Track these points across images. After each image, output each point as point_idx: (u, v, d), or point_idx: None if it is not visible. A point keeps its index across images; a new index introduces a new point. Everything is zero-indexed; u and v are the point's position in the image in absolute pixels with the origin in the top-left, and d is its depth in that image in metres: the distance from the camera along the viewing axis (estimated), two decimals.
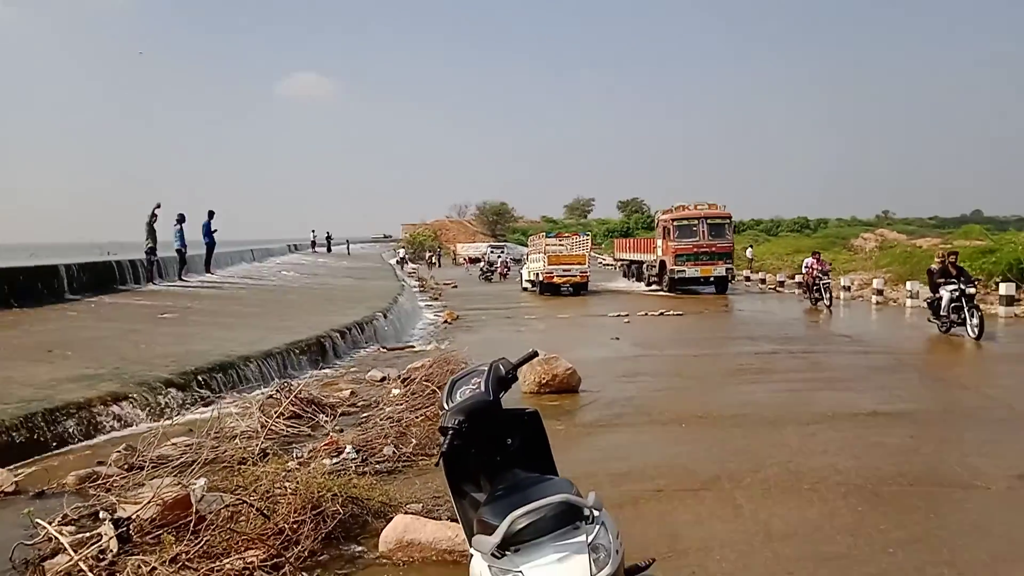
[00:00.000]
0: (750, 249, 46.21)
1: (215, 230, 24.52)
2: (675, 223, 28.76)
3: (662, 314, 20.35)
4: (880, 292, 24.18)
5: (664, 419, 8.18)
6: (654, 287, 30.85)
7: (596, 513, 2.84)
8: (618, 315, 20.04)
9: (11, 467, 6.40)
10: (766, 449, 6.91)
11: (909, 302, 22.14)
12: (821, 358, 12.36)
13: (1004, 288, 19.47)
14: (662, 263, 29.87)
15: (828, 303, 21.57)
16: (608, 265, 59.54)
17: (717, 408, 8.64)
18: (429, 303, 26.01)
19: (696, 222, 28.68)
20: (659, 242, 30.56)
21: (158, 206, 21.27)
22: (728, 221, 29.12)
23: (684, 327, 17.64)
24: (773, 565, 4.54)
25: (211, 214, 24.28)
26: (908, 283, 23.72)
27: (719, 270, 28.33)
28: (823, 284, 22.11)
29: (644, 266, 33.22)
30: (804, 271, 23.90)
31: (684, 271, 28.33)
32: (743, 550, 4.74)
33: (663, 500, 5.66)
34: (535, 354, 3.47)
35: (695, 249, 28.35)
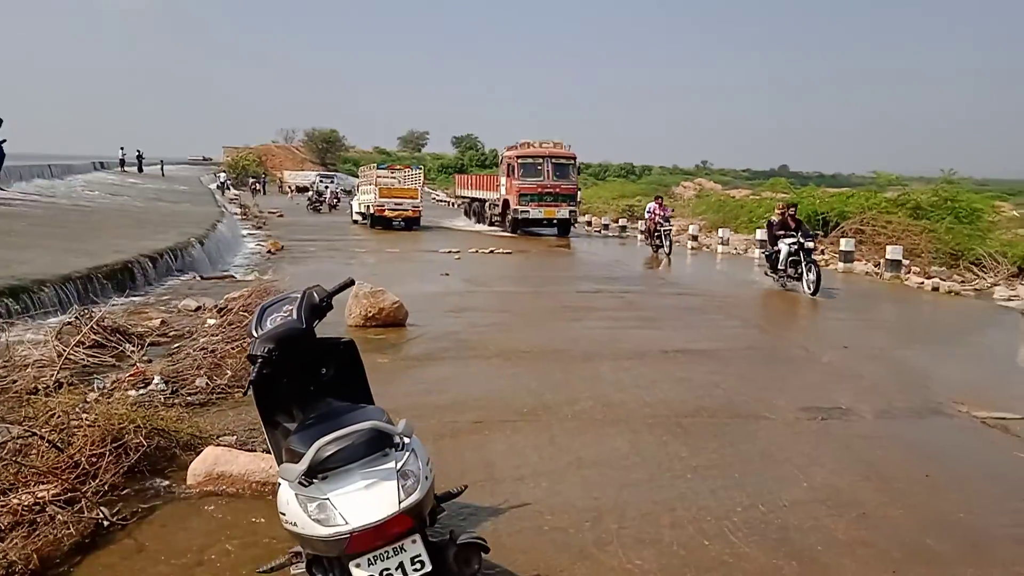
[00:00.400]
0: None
1: (3, 140, 22.08)
2: (520, 161, 27.54)
3: (492, 252, 20.65)
4: (695, 238, 25.65)
5: (488, 353, 8.32)
6: (496, 228, 29.94)
7: (406, 440, 2.90)
8: (449, 251, 20.16)
9: None
10: (582, 383, 7.20)
11: (720, 248, 23.66)
12: (638, 299, 12.95)
13: (844, 243, 18.88)
14: (505, 202, 28.76)
15: (668, 251, 20.67)
16: (442, 201, 59.51)
17: (539, 343, 8.87)
18: (252, 232, 25.10)
19: (541, 161, 27.54)
20: (503, 180, 29.32)
21: None
22: (573, 162, 28.09)
23: (514, 265, 17.95)
24: (581, 490, 4.79)
25: None
26: (720, 230, 25.28)
27: (562, 212, 27.46)
28: (664, 231, 20.96)
29: (487, 205, 32.10)
30: (647, 216, 22.58)
31: (528, 212, 27.29)
32: (555, 478, 4.96)
33: (482, 431, 5.81)
34: (351, 282, 3.43)
35: (539, 189, 27.34)
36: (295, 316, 3.01)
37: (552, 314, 11.09)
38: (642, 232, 25.79)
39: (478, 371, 7.64)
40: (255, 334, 2.98)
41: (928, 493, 4.94)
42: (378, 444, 2.83)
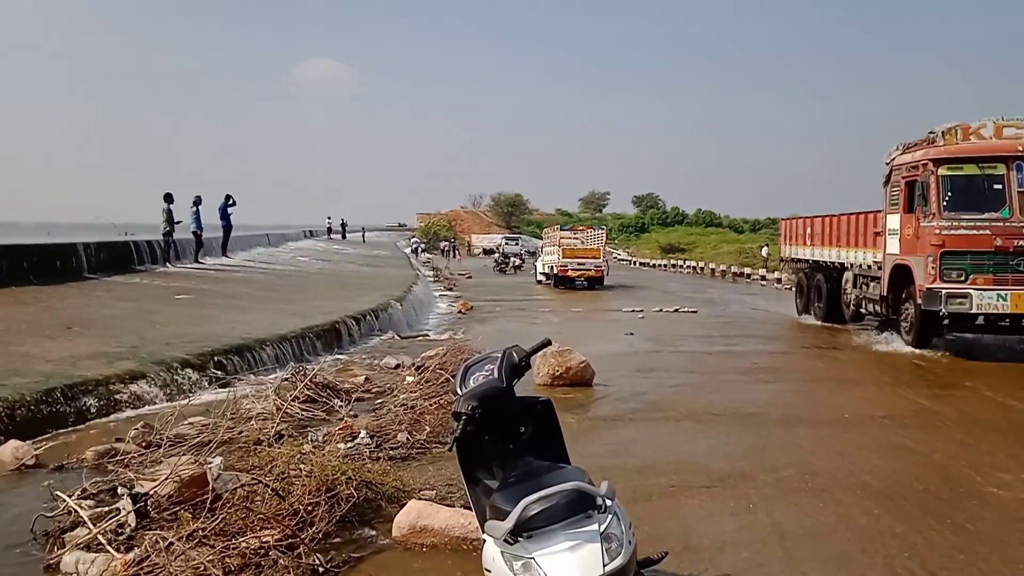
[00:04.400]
0: (765, 248, 45.98)
1: (231, 212, 24.67)
2: (947, 171, 12.14)
3: (676, 311, 20.32)
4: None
5: (677, 415, 8.13)
6: (888, 333, 14.09)
7: (609, 502, 2.87)
8: (632, 311, 20.04)
9: (31, 441, 6.46)
10: (780, 449, 6.88)
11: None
12: (842, 356, 12.24)
13: None
14: (900, 273, 13.13)
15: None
16: (623, 260, 59.45)
17: (731, 405, 8.59)
18: (443, 293, 26.08)
19: (1000, 171, 11.88)
20: (890, 219, 13.62)
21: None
22: None
23: (700, 324, 17.57)
24: (785, 564, 4.54)
25: (228, 197, 24.37)
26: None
27: None
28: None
29: (847, 278, 16.00)
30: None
31: (981, 299, 11.63)
32: (756, 549, 4.74)
33: (676, 496, 5.66)
34: (548, 342, 3.46)
35: (1005, 240, 11.69)
36: (496, 375, 3.07)
37: (744, 375, 10.71)
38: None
39: (669, 433, 7.47)
40: (459, 392, 3.07)
41: None
42: (582, 505, 2.83)
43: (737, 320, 18.89)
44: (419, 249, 56.25)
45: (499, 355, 3.18)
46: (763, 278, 36.49)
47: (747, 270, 39.08)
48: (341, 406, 7.74)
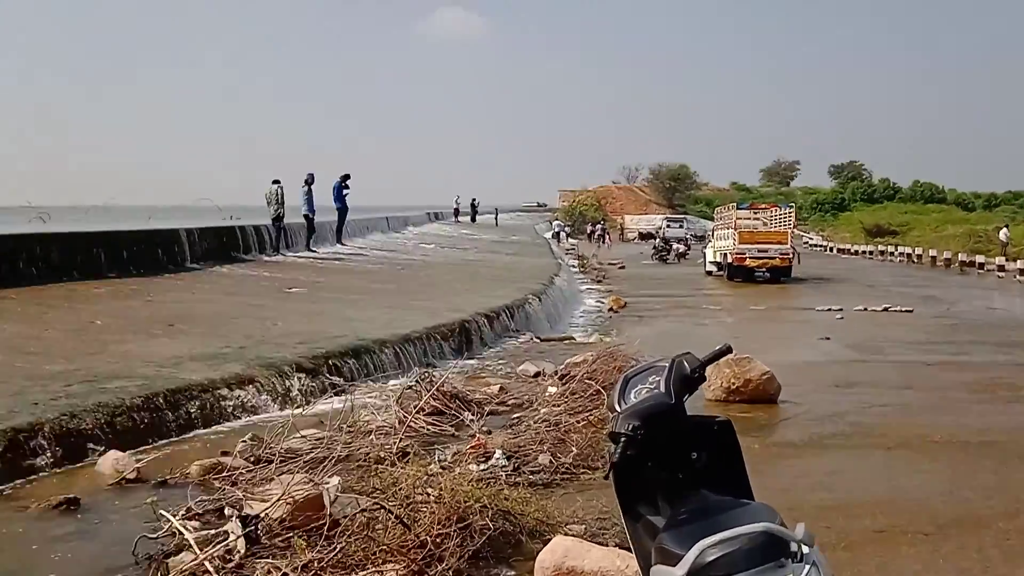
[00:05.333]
0: (1004, 230, 43.30)
1: (347, 194, 25.65)
2: None
3: (886, 310, 19.63)
4: None
5: (888, 442, 7.88)
6: None
7: (806, 550, 2.72)
8: (828, 309, 19.61)
9: (132, 451, 6.88)
10: None
11: None
12: None
13: None
14: None
15: None
16: (817, 246, 57.55)
17: (958, 432, 8.25)
18: (591, 287, 26.36)
19: None
20: None
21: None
22: None
23: (917, 327, 16.94)
24: None
25: (345, 177, 25.43)
26: None
27: None
28: None
29: None
30: None
31: None
32: None
33: (886, 544, 5.44)
34: (728, 350, 3.32)
35: None
36: (663, 389, 3.02)
37: (976, 393, 10.25)
38: None
39: (877, 465, 7.25)
40: (618, 408, 3.03)
41: None
42: (772, 552, 2.71)
43: (966, 322, 18.07)
44: (562, 234, 56.82)
45: (666, 364, 3.11)
46: (1001, 268, 34.58)
47: (979, 258, 37.31)
48: (472, 420, 7.90)
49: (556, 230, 59.06)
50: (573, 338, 14.76)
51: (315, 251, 23.41)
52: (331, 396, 8.75)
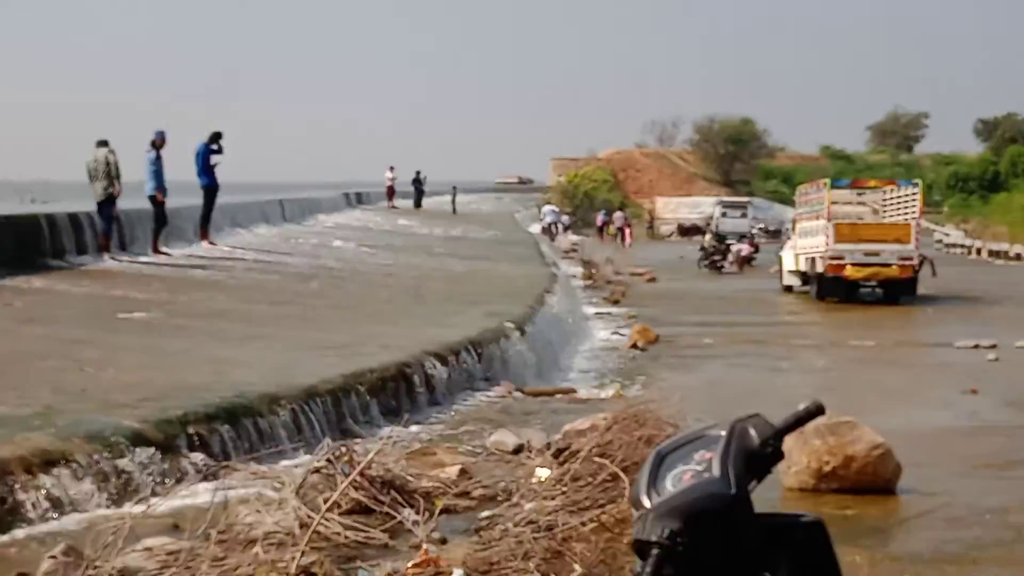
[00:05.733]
0: None
1: (217, 162, 21.73)
2: None
3: None
4: None
5: None
6: None
7: None
8: (976, 346, 17.14)
9: None
10: None
11: None
12: None
13: None
14: None
15: None
16: (956, 247, 47.36)
17: None
18: (604, 310, 23.72)
19: None
20: None
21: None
22: None
23: None
24: None
25: (214, 138, 21.63)
26: None
27: None
28: None
29: None
30: None
31: None
32: None
33: None
34: (819, 410, 2.75)
35: None
36: (717, 472, 2.55)
37: None
38: None
39: None
40: (647, 503, 2.57)
41: None
42: None
43: None
44: (558, 225, 49.44)
45: (722, 434, 2.63)
46: None
47: None
48: (417, 522, 7.15)
49: (548, 220, 49.73)
50: (575, 391, 13.17)
51: (166, 252, 19.87)
52: (193, 484, 7.81)
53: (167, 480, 7.93)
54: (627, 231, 50.96)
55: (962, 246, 47.01)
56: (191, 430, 8.53)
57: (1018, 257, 40.41)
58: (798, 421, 2.79)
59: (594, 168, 67.79)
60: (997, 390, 13.26)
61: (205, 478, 7.93)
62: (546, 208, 53.19)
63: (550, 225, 49.04)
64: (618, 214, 53.23)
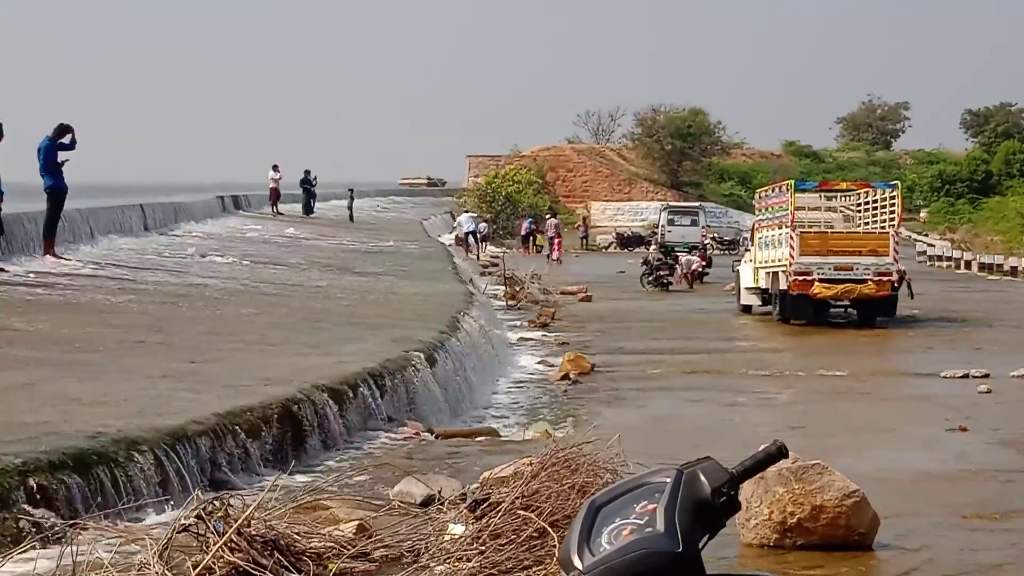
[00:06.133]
0: None
1: (66, 159, 20.71)
2: None
3: None
4: None
5: None
6: None
7: None
8: (965, 375, 17.00)
9: None
10: None
11: None
12: None
13: None
14: None
15: None
16: (940, 259, 46.57)
17: None
18: (529, 335, 23.36)
19: None
20: None
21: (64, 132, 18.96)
22: None
23: None
24: None
25: (61, 131, 20.57)
26: None
27: None
28: None
29: None
30: None
31: None
32: None
33: None
34: (781, 452, 2.74)
35: None
36: (662, 526, 2.49)
37: None
38: None
39: None
40: (577, 563, 2.51)
41: None
42: None
43: None
44: (475, 234, 47.43)
45: (669, 480, 2.59)
46: None
47: None
48: None
49: (466, 229, 47.55)
50: (495, 432, 12.98)
51: (2, 268, 18.90)
52: (34, 547, 7.43)
53: (1, 542, 7.59)
54: (556, 241, 49.63)
55: (948, 258, 46.10)
56: (31, 481, 8.14)
57: (1013, 272, 39.08)
58: (757, 465, 2.75)
59: (517, 168, 65.07)
60: (989, 427, 13.11)
61: (49, 539, 7.66)
62: (463, 216, 51.28)
63: (467, 235, 47.36)
64: (552, 221, 50.97)
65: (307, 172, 48.75)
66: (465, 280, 28.25)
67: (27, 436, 8.80)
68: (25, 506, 7.87)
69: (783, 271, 23.62)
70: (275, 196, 47.05)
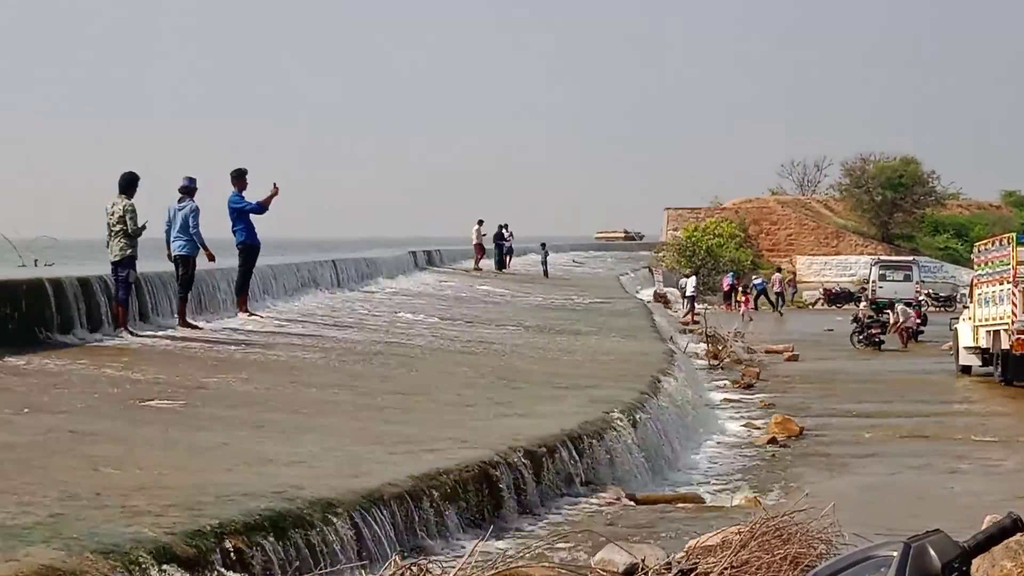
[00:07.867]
0: None
1: (253, 209, 19.60)
2: None
3: None
4: None
5: None
6: None
7: None
8: None
9: None
10: None
11: None
12: None
13: None
14: None
15: None
16: None
17: None
18: (733, 396, 22.69)
19: None
20: None
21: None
22: None
23: None
24: None
25: (239, 175, 19.62)
26: None
27: None
28: None
29: None
30: None
31: None
32: None
33: None
34: (1017, 527, 2.68)
35: None
36: None
37: None
38: None
39: None
40: None
41: None
42: None
43: None
44: (687, 292, 45.52)
45: (893, 555, 2.51)
46: None
47: None
48: None
49: (690, 293, 45.49)
50: (700, 498, 12.59)
51: (196, 325, 18.60)
52: None
53: None
54: (747, 298, 47.92)
55: None
56: (228, 544, 7.93)
57: None
58: (990, 540, 2.69)
59: (719, 220, 63.08)
60: None
61: None
62: (685, 280, 48.03)
63: (690, 299, 44.89)
64: (777, 276, 49.90)
65: (501, 227, 49.02)
66: (665, 338, 27.65)
67: (222, 497, 8.85)
68: (221, 569, 7.79)
69: (1005, 329, 22.65)
70: (480, 251, 47.37)
